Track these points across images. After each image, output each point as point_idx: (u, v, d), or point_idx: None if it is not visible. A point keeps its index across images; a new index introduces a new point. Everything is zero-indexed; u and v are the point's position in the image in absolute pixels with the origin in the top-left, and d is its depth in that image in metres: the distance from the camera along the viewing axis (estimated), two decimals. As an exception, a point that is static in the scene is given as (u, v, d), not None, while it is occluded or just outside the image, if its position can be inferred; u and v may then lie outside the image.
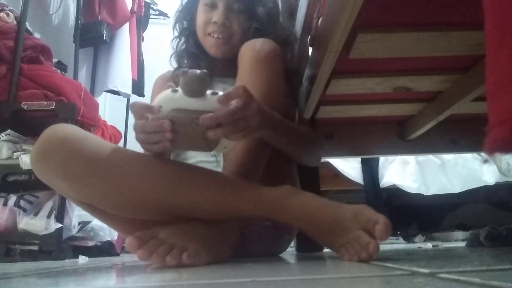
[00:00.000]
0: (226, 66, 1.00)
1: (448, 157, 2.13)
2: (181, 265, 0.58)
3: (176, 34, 1.07)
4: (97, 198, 0.68)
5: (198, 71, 0.62)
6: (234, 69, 0.91)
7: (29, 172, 1.46)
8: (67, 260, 1.34)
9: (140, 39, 2.87)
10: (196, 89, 0.62)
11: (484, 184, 2.08)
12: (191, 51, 1.03)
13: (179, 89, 0.63)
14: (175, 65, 1.07)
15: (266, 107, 0.71)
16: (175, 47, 1.07)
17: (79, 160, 0.65)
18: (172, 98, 0.63)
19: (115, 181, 0.65)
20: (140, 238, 0.59)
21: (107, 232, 1.69)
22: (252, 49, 0.81)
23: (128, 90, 2.59)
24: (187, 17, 1.04)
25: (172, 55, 1.07)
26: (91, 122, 1.82)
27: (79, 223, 1.58)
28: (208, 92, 0.63)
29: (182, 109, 0.62)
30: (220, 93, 0.64)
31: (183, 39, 1.05)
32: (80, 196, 0.70)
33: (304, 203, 0.66)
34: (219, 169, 0.86)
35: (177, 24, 1.06)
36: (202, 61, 1.01)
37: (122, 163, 0.66)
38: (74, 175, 0.65)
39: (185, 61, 1.04)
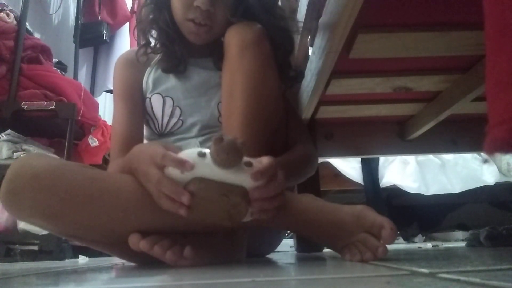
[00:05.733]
0: (202, 46, 0.88)
1: (448, 157, 2.13)
2: (182, 261, 0.58)
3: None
4: (80, 232, 0.63)
5: (233, 138, 0.53)
6: (211, 49, 0.86)
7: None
8: (67, 260, 1.34)
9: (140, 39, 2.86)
10: (231, 161, 0.53)
11: (484, 184, 2.08)
12: (163, 28, 0.86)
13: (207, 153, 0.54)
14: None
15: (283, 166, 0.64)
16: (141, 15, 0.90)
17: (55, 197, 0.58)
18: (199, 165, 0.54)
19: (99, 215, 0.59)
20: (141, 234, 0.59)
21: (107, 232, 1.69)
22: (237, 35, 0.74)
23: (128, 90, 2.58)
24: None
25: (136, 25, 0.92)
26: (91, 122, 1.82)
27: (79, 223, 1.58)
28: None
29: (208, 179, 0.54)
30: (253, 162, 0.55)
31: (152, 7, 0.88)
32: (63, 231, 0.65)
33: (302, 209, 0.64)
34: None
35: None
36: (175, 42, 0.87)
37: (105, 194, 0.59)
38: (51, 213, 0.59)
39: (153, 35, 0.90)
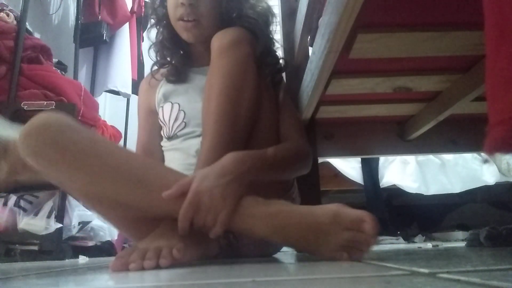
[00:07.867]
0: (203, 55, 0.96)
1: (448, 157, 2.13)
2: (175, 262, 0.58)
3: (153, 23, 1.02)
4: (65, 183, 0.70)
5: None
6: (210, 58, 0.87)
7: (29, 172, 1.46)
8: (67, 260, 1.34)
9: (140, 39, 2.86)
10: None
11: (484, 184, 2.08)
12: (167, 41, 0.99)
13: None
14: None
15: (249, 161, 0.69)
16: (152, 38, 1.03)
17: (52, 146, 0.65)
18: None
19: (80, 170, 0.65)
20: (121, 257, 0.59)
21: (107, 232, 1.70)
22: (217, 39, 0.80)
23: (128, 90, 2.59)
24: (163, 3, 0.98)
25: (150, 47, 1.03)
26: (91, 122, 1.82)
27: (79, 223, 1.58)
28: None
29: None
30: None
31: (159, 29, 1.00)
32: (54, 180, 0.70)
33: (271, 213, 0.62)
34: None
35: (154, 13, 1.01)
36: (178, 53, 0.99)
37: (100, 153, 0.66)
38: (47, 161, 0.65)
39: (164, 53, 1.01)
